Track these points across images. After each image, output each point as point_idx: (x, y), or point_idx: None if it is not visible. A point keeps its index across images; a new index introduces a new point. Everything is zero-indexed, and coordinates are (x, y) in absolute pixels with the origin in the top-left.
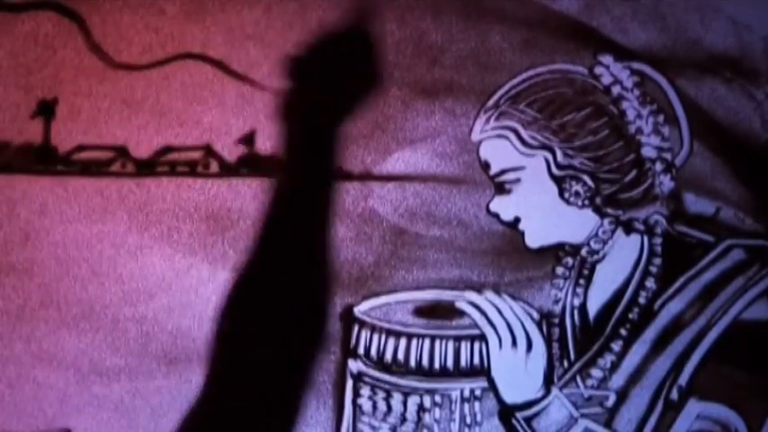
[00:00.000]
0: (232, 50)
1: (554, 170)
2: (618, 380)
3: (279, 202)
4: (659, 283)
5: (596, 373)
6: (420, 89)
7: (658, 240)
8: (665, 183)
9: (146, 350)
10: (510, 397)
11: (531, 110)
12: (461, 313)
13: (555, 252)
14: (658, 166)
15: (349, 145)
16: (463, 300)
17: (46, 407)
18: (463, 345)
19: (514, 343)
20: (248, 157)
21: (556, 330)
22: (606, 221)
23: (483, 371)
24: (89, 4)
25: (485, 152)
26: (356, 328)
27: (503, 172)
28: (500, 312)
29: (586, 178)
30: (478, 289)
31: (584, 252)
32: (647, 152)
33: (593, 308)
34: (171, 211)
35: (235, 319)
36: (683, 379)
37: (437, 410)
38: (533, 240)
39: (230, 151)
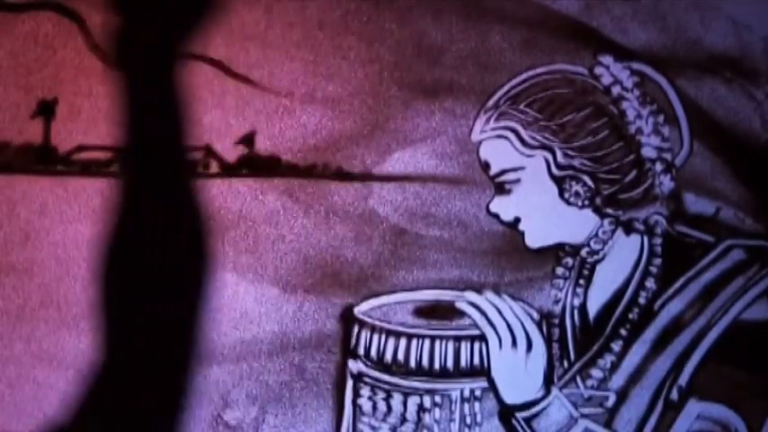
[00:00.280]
0: (232, 51)
1: (554, 170)
2: (618, 380)
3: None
4: (659, 283)
5: (596, 373)
6: (420, 89)
7: (658, 240)
8: (665, 183)
9: None
10: (510, 397)
11: (531, 110)
12: (461, 313)
13: (555, 252)
14: (658, 167)
15: (349, 145)
16: (463, 300)
17: (46, 407)
18: (463, 345)
19: (514, 343)
20: (248, 157)
21: (556, 330)
22: (606, 222)
23: (483, 371)
24: (89, 4)
25: (485, 152)
26: (356, 329)
27: (503, 172)
28: (500, 312)
29: (586, 178)
30: (478, 289)
31: (584, 252)
32: (647, 152)
33: (593, 308)
34: None
35: (112, 279)
36: (683, 379)
37: (437, 411)
38: (533, 240)
39: (230, 151)
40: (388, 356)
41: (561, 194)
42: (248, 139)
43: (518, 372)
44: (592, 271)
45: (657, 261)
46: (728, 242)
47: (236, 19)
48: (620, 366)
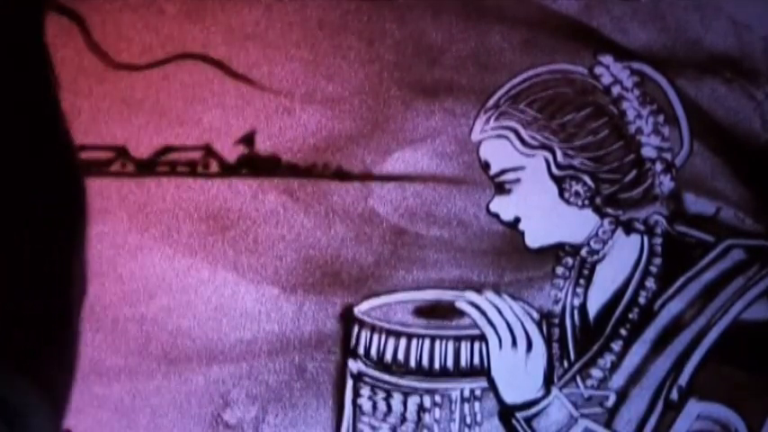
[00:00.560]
0: (232, 50)
1: (554, 170)
2: (618, 380)
3: None
4: (659, 283)
5: (596, 373)
6: (420, 89)
7: (658, 240)
8: (665, 183)
9: (146, 350)
10: (510, 397)
11: (531, 110)
12: (461, 313)
13: (555, 252)
14: (658, 166)
15: (349, 145)
16: (463, 300)
17: None
18: (463, 345)
19: (514, 343)
20: (248, 157)
21: (556, 330)
22: (606, 221)
23: (483, 371)
24: (89, 4)
25: (485, 152)
26: (356, 328)
27: (503, 172)
28: (500, 312)
29: (586, 178)
30: (478, 289)
31: (584, 252)
32: (647, 152)
33: (593, 308)
34: (171, 211)
35: None
36: (683, 379)
37: (437, 410)
38: (533, 240)
39: (230, 151)
40: (388, 356)
41: (561, 194)
42: (248, 139)
43: (518, 372)
44: (592, 271)
45: (657, 261)
46: (728, 242)
47: (236, 19)
48: (620, 366)
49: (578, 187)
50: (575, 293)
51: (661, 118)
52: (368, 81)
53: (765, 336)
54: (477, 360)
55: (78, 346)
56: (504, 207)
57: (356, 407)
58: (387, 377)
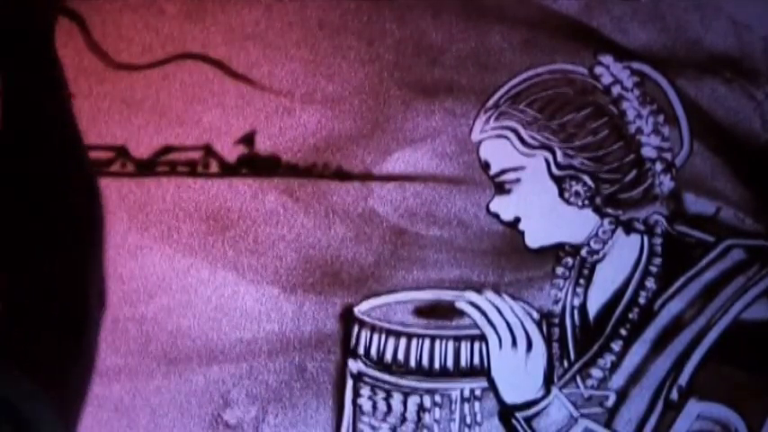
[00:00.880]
0: (232, 50)
1: (554, 170)
2: (618, 380)
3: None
4: (659, 283)
5: (596, 373)
6: (420, 89)
7: (658, 240)
8: (665, 183)
9: (146, 350)
10: (510, 397)
11: (531, 110)
12: (461, 313)
13: (555, 252)
14: (658, 166)
15: (349, 145)
16: (463, 300)
17: None
18: (463, 345)
19: (514, 343)
20: (248, 157)
21: (556, 330)
22: (606, 221)
23: (483, 371)
24: (89, 4)
25: (485, 152)
26: (356, 328)
27: (503, 172)
28: (500, 312)
29: (586, 178)
30: (478, 289)
31: (584, 252)
32: (647, 152)
33: (593, 308)
34: (171, 211)
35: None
36: (683, 379)
37: (437, 410)
38: (533, 240)
39: (230, 151)
40: (388, 356)
41: (561, 194)
42: (248, 139)
43: (518, 371)
44: (592, 271)
45: (657, 261)
46: (728, 242)
47: (236, 19)
48: (620, 366)
49: (578, 187)
50: (575, 293)
51: (661, 118)
52: (368, 81)
53: (765, 336)
54: (477, 360)
55: (95, 359)
56: (504, 207)
57: (356, 407)
58: (387, 377)
